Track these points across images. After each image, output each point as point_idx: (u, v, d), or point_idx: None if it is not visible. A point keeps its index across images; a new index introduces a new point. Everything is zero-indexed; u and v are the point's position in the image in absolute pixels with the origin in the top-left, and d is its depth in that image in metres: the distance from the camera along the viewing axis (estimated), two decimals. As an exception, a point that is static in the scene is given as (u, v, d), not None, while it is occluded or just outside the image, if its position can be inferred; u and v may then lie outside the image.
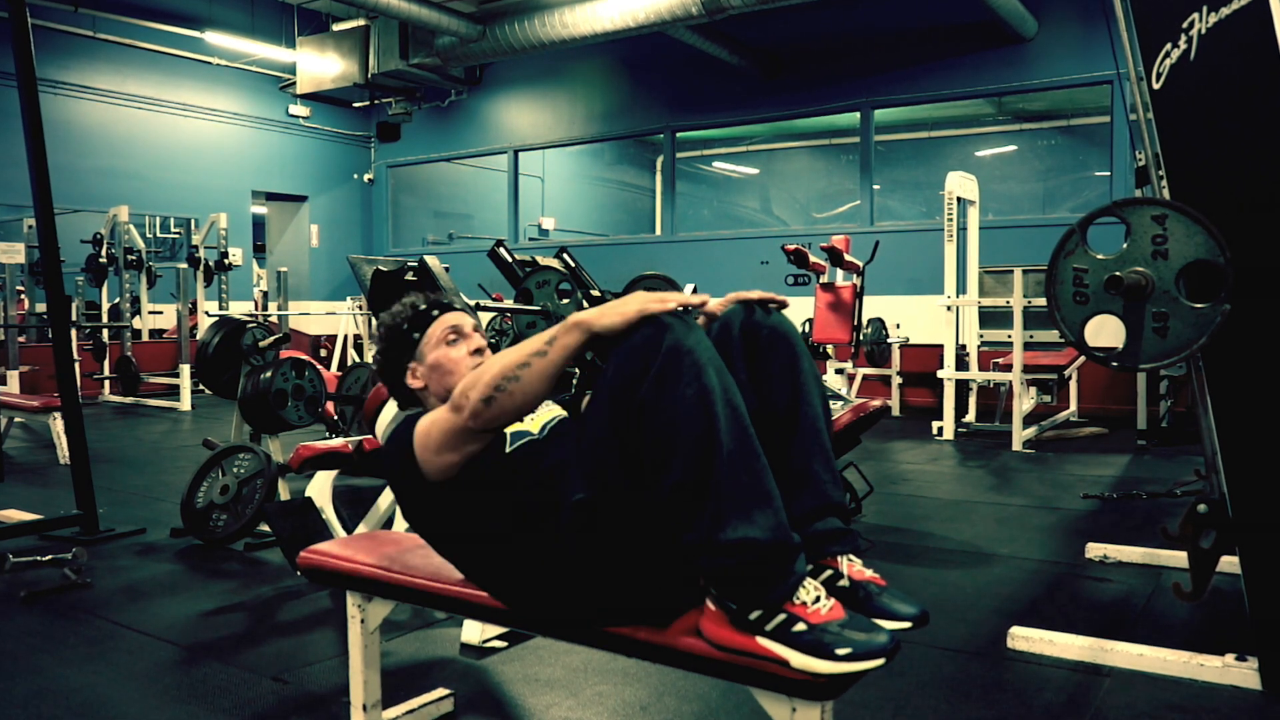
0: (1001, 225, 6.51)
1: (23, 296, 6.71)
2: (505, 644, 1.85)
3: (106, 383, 6.77)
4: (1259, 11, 1.53)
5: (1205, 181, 1.60)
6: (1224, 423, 1.62)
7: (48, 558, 2.38)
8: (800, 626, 0.94)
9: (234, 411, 3.09)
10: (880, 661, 0.92)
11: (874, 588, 1.07)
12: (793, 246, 4.39)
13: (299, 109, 9.11)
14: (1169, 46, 1.62)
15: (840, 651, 0.92)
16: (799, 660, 0.93)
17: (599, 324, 1.04)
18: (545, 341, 1.06)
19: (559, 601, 1.13)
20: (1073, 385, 5.31)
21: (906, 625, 1.04)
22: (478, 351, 1.33)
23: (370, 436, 2.37)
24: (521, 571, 1.15)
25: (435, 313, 1.35)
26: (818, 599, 0.96)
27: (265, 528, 2.61)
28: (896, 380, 5.91)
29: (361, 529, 2.40)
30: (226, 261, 7.14)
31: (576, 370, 2.31)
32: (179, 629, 1.99)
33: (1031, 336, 4.95)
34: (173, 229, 9.59)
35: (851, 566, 1.08)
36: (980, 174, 5.47)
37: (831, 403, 2.72)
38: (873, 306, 5.66)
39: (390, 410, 2.06)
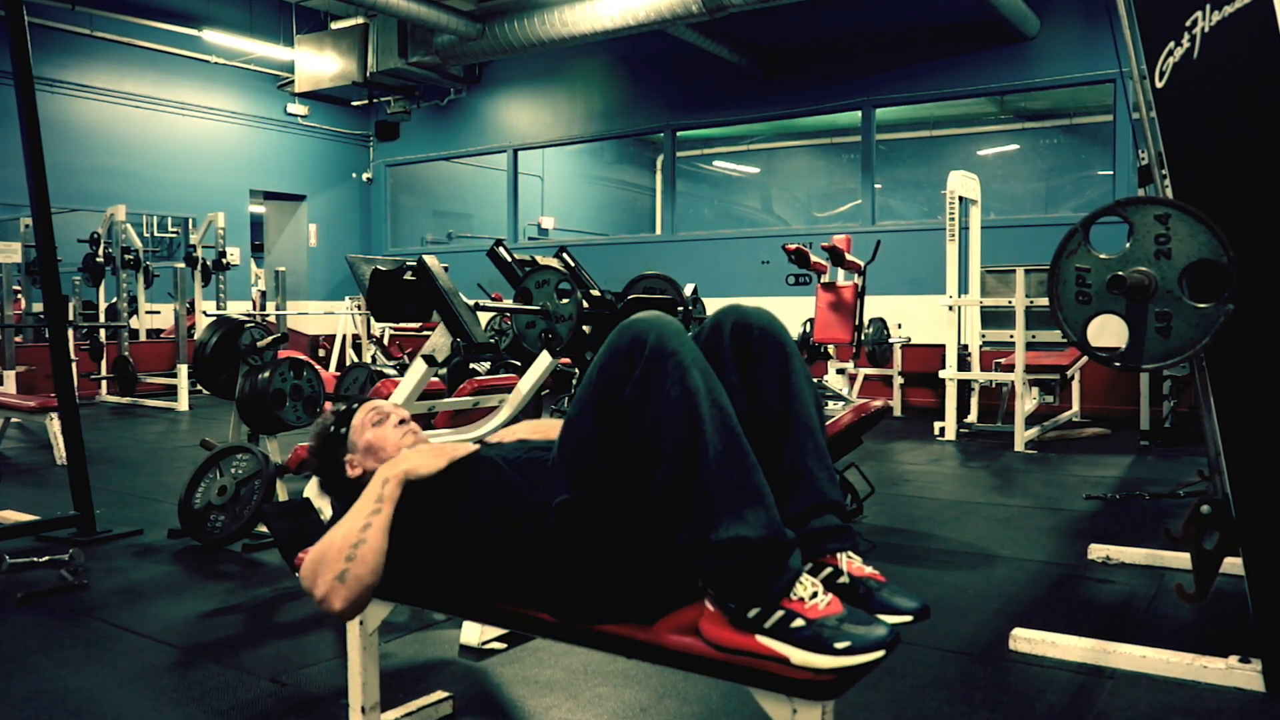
0: (1004, 225, 6.50)
1: (19, 296, 6.69)
2: (504, 646, 1.84)
3: (104, 383, 6.76)
4: (1262, 10, 1.52)
5: (1209, 180, 1.59)
6: (1227, 423, 1.61)
7: (44, 559, 2.37)
8: (799, 622, 0.94)
9: (232, 412, 3.08)
10: (880, 654, 0.92)
11: (874, 583, 1.07)
12: (794, 246, 4.38)
13: (297, 108, 9.09)
14: (1172, 45, 1.61)
15: (839, 645, 0.92)
16: (799, 656, 0.93)
17: (418, 472, 1.21)
18: (375, 500, 1.20)
19: (553, 601, 1.13)
20: (1075, 385, 5.31)
21: (908, 619, 1.04)
22: (402, 422, 1.42)
23: (369, 437, 2.35)
24: (515, 576, 1.16)
25: (355, 406, 1.45)
26: (815, 594, 0.97)
27: (263, 529, 2.60)
28: (898, 380, 5.90)
29: (360, 530, 2.39)
30: (224, 261, 7.13)
31: (576, 370, 2.30)
32: (176, 630, 1.98)
33: (1034, 336, 4.95)
34: (170, 228, 9.57)
35: (851, 563, 1.08)
36: (982, 173, 5.46)
37: (833, 403, 2.72)
38: (874, 306, 5.65)
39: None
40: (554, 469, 1.10)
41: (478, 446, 1.31)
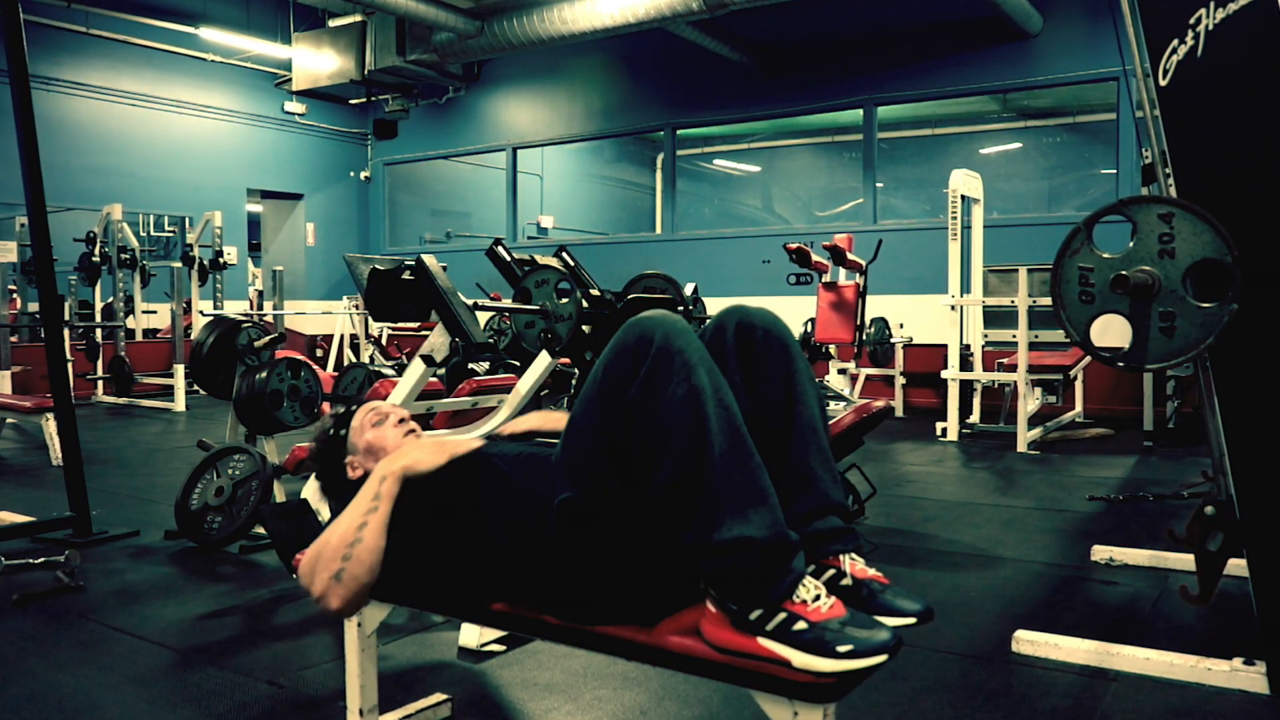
0: (1006, 224, 6.49)
1: (15, 296, 6.66)
2: (503, 648, 1.83)
3: (100, 383, 6.74)
4: (1267, 7, 1.51)
5: (1213, 179, 1.58)
6: (1231, 424, 1.60)
7: (40, 560, 2.36)
8: (801, 625, 0.94)
9: (229, 412, 3.07)
10: (883, 658, 0.92)
11: (877, 585, 1.06)
12: (795, 245, 4.37)
13: (295, 106, 9.07)
14: (1176, 43, 1.60)
15: (842, 649, 0.91)
16: (800, 659, 0.92)
17: (418, 468, 1.20)
18: (372, 498, 1.18)
19: (555, 603, 1.13)
20: (1078, 386, 5.29)
21: (911, 621, 1.03)
22: (401, 421, 1.41)
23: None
24: (515, 576, 1.15)
25: (354, 408, 1.45)
26: (818, 597, 0.96)
27: (260, 530, 2.58)
28: (900, 381, 5.88)
29: (358, 531, 2.37)
30: (221, 260, 7.11)
31: (576, 370, 2.29)
32: (173, 632, 1.97)
33: (1036, 336, 4.94)
34: (167, 227, 9.55)
35: (854, 565, 1.08)
36: (985, 172, 5.45)
37: (834, 403, 2.71)
38: (876, 306, 5.64)
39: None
40: (557, 466, 1.09)
41: (481, 442, 1.30)
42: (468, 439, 1.31)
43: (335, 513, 1.35)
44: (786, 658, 0.93)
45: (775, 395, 1.12)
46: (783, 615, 0.95)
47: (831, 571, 1.07)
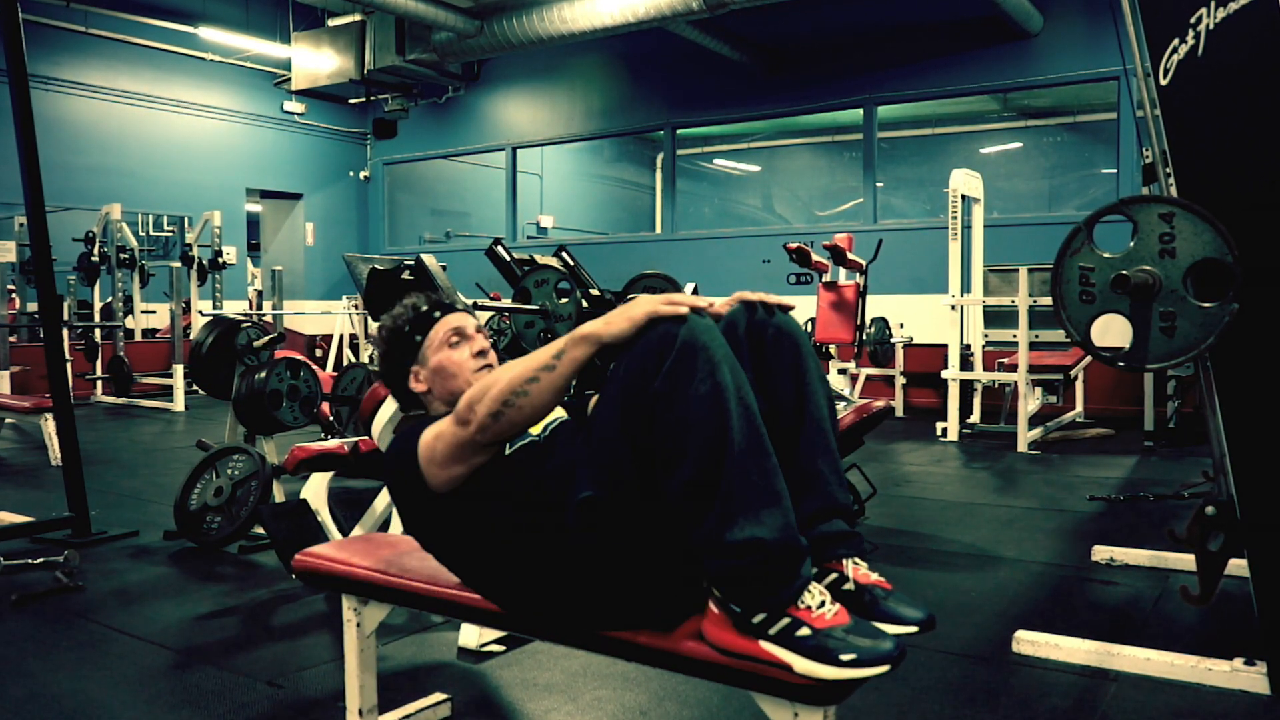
0: (1007, 223, 6.48)
1: (14, 295, 6.66)
2: (503, 648, 1.83)
3: (99, 383, 6.73)
4: (1268, 7, 1.51)
5: (1213, 179, 1.58)
6: (1232, 424, 1.60)
7: (39, 560, 2.36)
8: (804, 631, 0.93)
9: (228, 412, 3.06)
10: (885, 668, 0.92)
11: (880, 591, 1.06)
12: (795, 245, 4.36)
13: (294, 105, 9.06)
14: (1176, 42, 1.59)
15: (845, 657, 0.91)
16: (802, 665, 0.92)
17: (608, 333, 1.03)
18: (554, 355, 1.05)
19: (561, 604, 1.12)
20: (1079, 386, 5.28)
21: (913, 630, 1.03)
22: (481, 353, 1.32)
23: (366, 438, 2.34)
24: (524, 575, 1.14)
25: (437, 314, 1.34)
26: (822, 603, 0.96)
27: (260, 530, 2.58)
28: (900, 381, 5.88)
29: (358, 531, 2.38)
30: (220, 260, 7.10)
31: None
32: (172, 633, 1.96)
33: (1037, 336, 4.93)
34: (166, 227, 9.54)
35: (857, 570, 1.08)
36: (985, 171, 5.44)
37: (834, 403, 2.70)
38: (876, 306, 5.64)
39: (387, 412, 2.03)
40: (579, 464, 1.08)
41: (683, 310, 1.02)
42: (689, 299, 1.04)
43: (397, 407, 1.22)
44: (788, 663, 0.93)
45: (785, 393, 1.11)
46: (786, 620, 0.94)
47: (834, 575, 1.06)
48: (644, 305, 1.02)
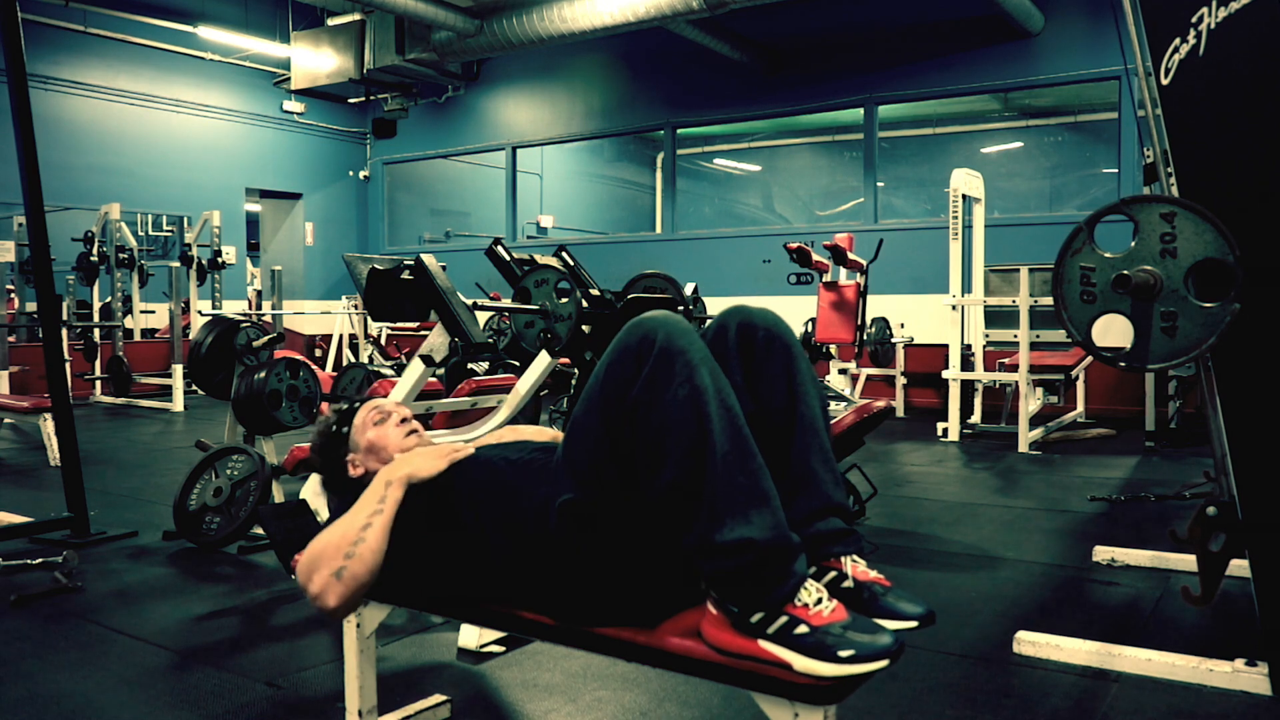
0: (1007, 223, 6.48)
1: (12, 295, 6.65)
2: (503, 649, 1.82)
3: (98, 383, 6.73)
4: (1269, 6, 1.50)
5: (1214, 178, 1.58)
6: (1233, 424, 1.60)
7: (38, 561, 2.35)
8: (802, 629, 0.93)
9: (227, 412, 3.06)
10: (884, 663, 0.92)
11: (879, 588, 1.06)
12: (795, 245, 4.37)
13: (293, 105, 9.05)
14: (1178, 41, 1.59)
15: (843, 654, 0.91)
16: (802, 663, 0.92)
17: (421, 474, 1.21)
18: (378, 501, 1.20)
19: (553, 602, 1.12)
20: (1080, 386, 5.27)
21: (913, 625, 1.03)
22: (404, 421, 1.41)
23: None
24: (515, 578, 1.15)
25: (356, 404, 1.45)
26: (819, 600, 0.96)
27: (259, 530, 2.58)
28: (901, 381, 5.87)
29: (357, 531, 2.37)
30: (220, 260, 7.10)
31: (576, 370, 2.28)
32: (171, 633, 1.96)
33: (1038, 336, 4.92)
34: (165, 227, 9.53)
35: (855, 567, 1.08)
36: (986, 171, 5.44)
37: (835, 404, 2.70)
38: (876, 306, 5.64)
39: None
40: (558, 467, 1.09)
41: (474, 448, 1.30)
42: (465, 444, 1.31)
43: (334, 509, 1.35)
44: (788, 661, 0.93)
45: (777, 395, 1.11)
46: (784, 619, 0.94)
47: (833, 574, 1.06)
48: (445, 450, 1.26)
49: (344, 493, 1.40)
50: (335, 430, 1.43)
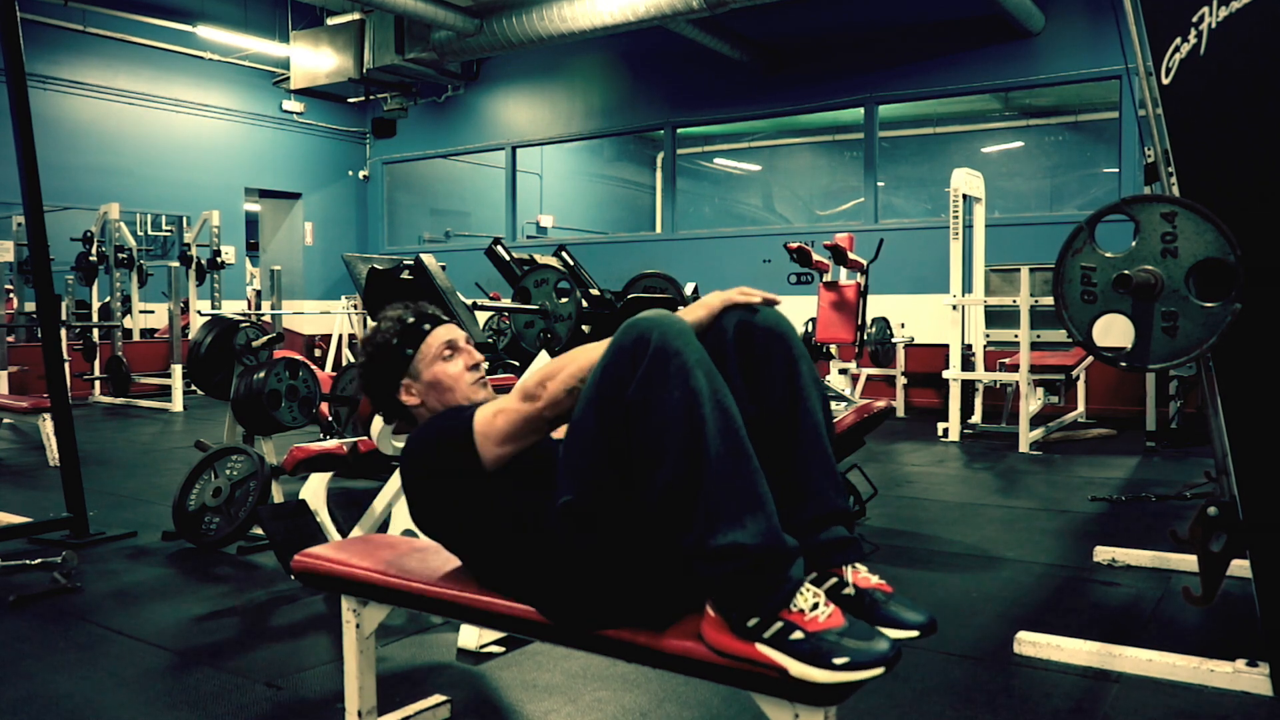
0: (1008, 223, 6.48)
1: (11, 295, 6.65)
2: (503, 649, 1.82)
3: (97, 383, 6.72)
4: (1270, 6, 1.50)
5: (1215, 178, 1.57)
6: (1234, 424, 1.60)
7: (37, 561, 2.35)
8: (798, 635, 0.93)
9: (226, 412, 3.05)
10: (880, 670, 0.91)
11: (880, 595, 1.05)
12: (795, 244, 4.37)
13: (293, 104, 9.05)
14: (1178, 41, 1.59)
15: (838, 660, 0.91)
16: (797, 669, 0.92)
17: (688, 319, 1.09)
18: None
19: (561, 601, 1.12)
20: (1080, 386, 5.27)
21: (913, 634, 1.02)
22: (475, 366, 1.32)
23: (365, 438, 2.33)
24: (528, 571, 1.14)
25: (427, 326, 1.32)
26: (815, 606, 0.95)
27: (258, 531, 2.57)
28: (901, 381, 5.87)
29: (357, 532, 2.37)
30: (219, 260, 7.09)
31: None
32: (171, 634, 1.96)
33: (1039, 336, 4.92)
34: (164, 227, 9.53)
35: (857, 574, 1.07)
36: (986, 171, 5.43)
37: (835, 404, 2.70)
38: (877, 306, 5.63)
39: None
40: (559, 469, 1.08)
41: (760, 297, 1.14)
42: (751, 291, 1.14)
43: (383, 417, 1.25)
44: (784, 665, 0.93)
45: (777, 397, 1.09)
46: (779, 624, 0.94)
47: (834, 580, 1.06)
48: (719, 295, 1.13)
49: (390, 413, 1.32)
50: (396, 346, 1.29)
